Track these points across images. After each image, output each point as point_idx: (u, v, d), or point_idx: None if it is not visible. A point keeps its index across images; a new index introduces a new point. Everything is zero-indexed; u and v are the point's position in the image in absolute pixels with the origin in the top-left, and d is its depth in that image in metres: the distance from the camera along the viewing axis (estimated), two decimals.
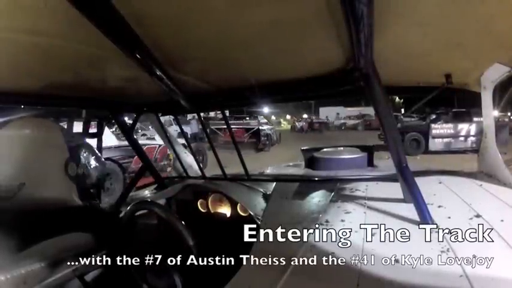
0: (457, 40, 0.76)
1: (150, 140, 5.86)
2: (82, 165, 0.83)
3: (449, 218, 0.87)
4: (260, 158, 8.91)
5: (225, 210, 1.31)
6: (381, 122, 0.89)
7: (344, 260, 0.77)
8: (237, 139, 6.92)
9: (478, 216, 0.85)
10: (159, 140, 5.64)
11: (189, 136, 7.74)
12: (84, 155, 0.86)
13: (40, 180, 0.73)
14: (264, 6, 0.59)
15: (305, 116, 23.45)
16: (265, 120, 11.77)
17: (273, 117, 17.44)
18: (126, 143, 5.14)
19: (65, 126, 1.23)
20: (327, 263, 0.77)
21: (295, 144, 10.10)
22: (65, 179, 0.77)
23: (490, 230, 0.78)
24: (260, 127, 10.43)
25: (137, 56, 0.74)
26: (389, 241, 0.82)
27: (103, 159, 0.94)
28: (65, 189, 0.77)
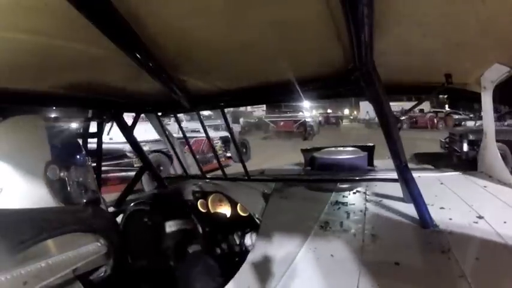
0: (457, 40, 0.76)
1: (195, 132, 6.16)
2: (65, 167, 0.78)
3: (450, 219, 0.87)
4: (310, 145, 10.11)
5: (225, 210, 1.31)
6: (380, 122, 0.89)
7: (344, 261, 0.76)
8: (287, 129, 9.30)
9: (480, 217, 0.85)
10: (212, 132, 6.30)
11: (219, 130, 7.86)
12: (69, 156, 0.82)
13: (17, 187, 0.72)
14: (264, 7, 0.59)
15: (347, 111, 24.32)
16: (308, 114, 13.21)
17: (314, 111, 17.95)
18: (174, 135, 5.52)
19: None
20: (326, 264, 0.77)
21: (328, 135, 12.30)
22: (44, 183, 0.75)
23: (492, 231, 0.78)
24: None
25: (137, 56, 0.74)
26: (389, 242, 0.82)
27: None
28: (43, 193, 0.75)
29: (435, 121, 16.27)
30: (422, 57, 0.89)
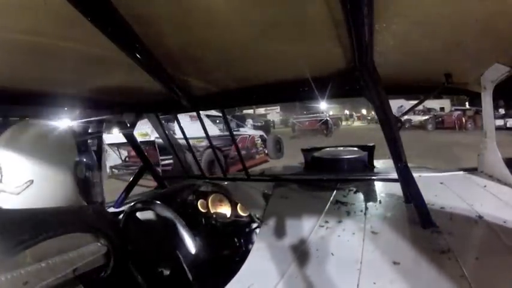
0: (457, 40, 0.76)
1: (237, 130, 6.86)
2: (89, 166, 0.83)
3: (451, 219, 0.87)
4: (331, 140, 12.16)
5: (225, 210, 1.31)
6: (380, 122, 0.89)
7: (344, 261, 0.77)
8: (312, 127, 14.66)
9: (480, 217, 0.85)
10: (248, 131, 7.16)
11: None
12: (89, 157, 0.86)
13: (47, 181, 0.73)
14: (264, 6, 0.59)
15: (364, 111, 25.91)
16: (327, 114, 15.82)
17: (331, 112, 19.23)
18: (226, 133, 5.77)
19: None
20: (326, 263, 0.77)
21: (338, 134, 14.47)
22: (73, 180, 0.77)
23: (492, 231, 0.78)
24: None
25: (137, 56, 0.74)
26: (389, 242, 0.82)
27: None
28: (72, 190, 0.77)
29: (464, 120, 14.08)
30: (422, 57, 0.89)
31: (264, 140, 7.48)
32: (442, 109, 17.69)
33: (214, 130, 5.73)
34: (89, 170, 0.82)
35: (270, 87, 1.07)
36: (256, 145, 7.07)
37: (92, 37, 0.63)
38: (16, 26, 0.58)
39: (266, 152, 7.42)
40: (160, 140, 4.60)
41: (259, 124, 15.85)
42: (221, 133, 6.00)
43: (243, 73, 1.00)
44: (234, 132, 6.65)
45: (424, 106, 16.36)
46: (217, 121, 6.26)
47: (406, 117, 15.83)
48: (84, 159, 0.82)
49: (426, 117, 16.15)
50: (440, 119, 15.36)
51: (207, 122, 5.51)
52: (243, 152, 6.33)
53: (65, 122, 0.97)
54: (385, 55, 0.79)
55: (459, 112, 14.66)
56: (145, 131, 4.72)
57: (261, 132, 7.68)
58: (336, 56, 0.81)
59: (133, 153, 5.28)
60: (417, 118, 16.49)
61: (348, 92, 0.99)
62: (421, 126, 15.56)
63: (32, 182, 0.71)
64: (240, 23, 0.66)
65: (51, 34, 0.63)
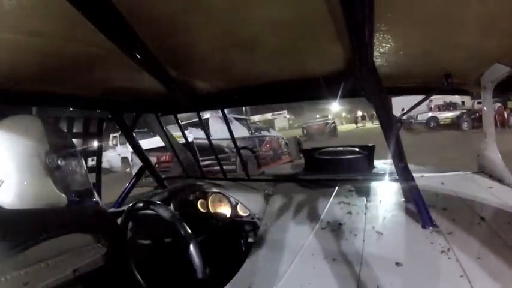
0: (457, 40, 0.76)
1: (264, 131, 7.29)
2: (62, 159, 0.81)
3: (453, 220, 0.87)
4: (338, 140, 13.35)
5: (225, 210, 1.31)
6: (380, 122, 0.89)
7: (344, 261, 0.77)
8: (320, 129, 16.48)
9: (482, 218, 0.85)
10: (273, 133, 7.55)
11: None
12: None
13: (18, 177, 0.72)
14: (265, 7, 0.59)
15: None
16: (332, 118, 17.96)
17: (344, 114, 20.33)
18: (256, 134, 6.44)
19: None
20: (326, 264, 0.77)
21: (340, 135, 16.12)
22: (44, 171, 0.76)
23: (494, 232, 0.78)
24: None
25: (137, 55, 0.74)
26: (390, 242, 0.82)
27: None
28: (45, 181, 0.76)
29: (505, 115, 10.96)
30: (422, 57, 0.89)
31: (285, 143, 8.03)
32: (463, 103, 14.89)
33: (243, 131, 6.13)
34: (62, 158, 0.80)
35: (270, 87, 1.07)
36: (281, 146, 7.52)
37: (92, 37, 0.63)
38: (17, 27, 0.58)
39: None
40: (199, 141, 4.47)
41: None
42: (250, 134, 6.34)
43: (242, 73, 1.00)
44: (264, 133, 7.10)
45: (444, 101, 14.02)
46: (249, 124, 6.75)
47: (430, 114, 13.92)
48: (56, 148, 0.79)
49: (457, 113, 13.17)
50: (477, 114, 11.62)
51: (236, 124, 5.87)
52: (270, 153, 6.73)
53: (35, 116, 0.94)
54: (385, 55, 0.79)
55: (499, 105, 11.32)
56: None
57: (281, 135, 8.22)
58: (336, 56, 0.81)
59: (163, 158, 5.20)
60: (445, 115, 13.64)
61: (348, 92, 0.99)
62: (453, 124, 12.76)
63: (2, 182, 0.70)
64: (240, 22, 0.66)
65: (52, 35, 0.63)
